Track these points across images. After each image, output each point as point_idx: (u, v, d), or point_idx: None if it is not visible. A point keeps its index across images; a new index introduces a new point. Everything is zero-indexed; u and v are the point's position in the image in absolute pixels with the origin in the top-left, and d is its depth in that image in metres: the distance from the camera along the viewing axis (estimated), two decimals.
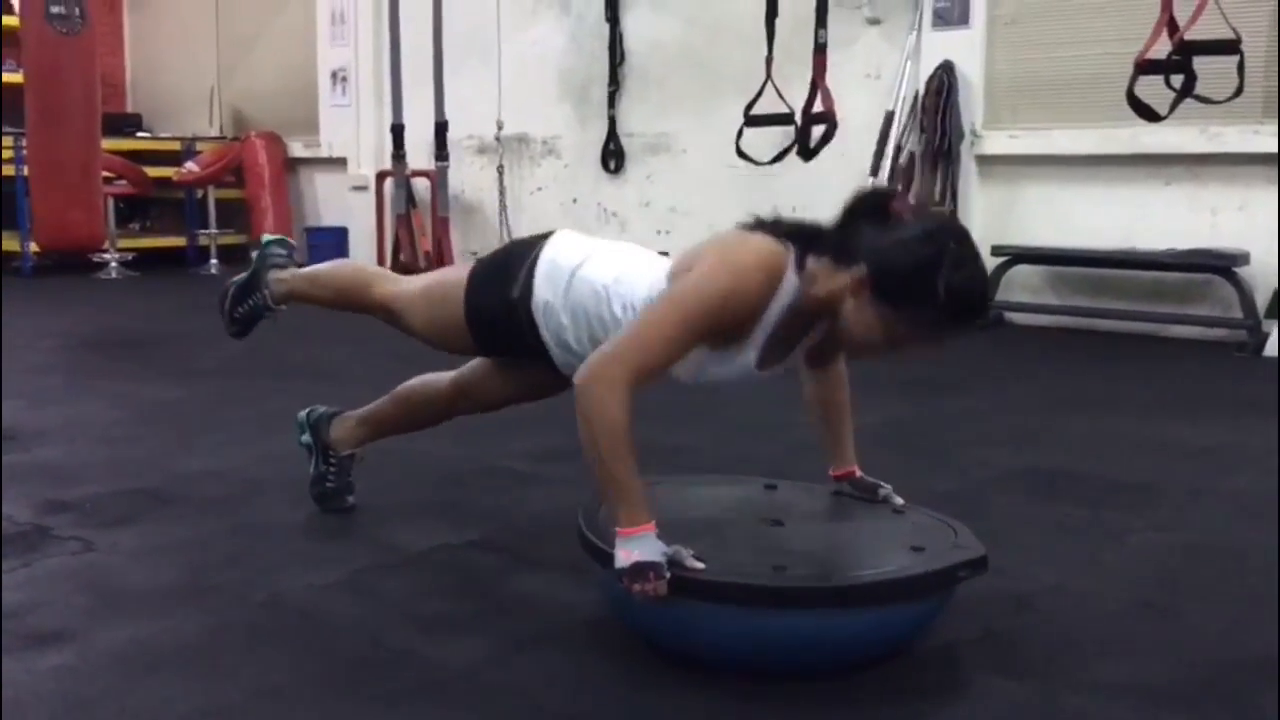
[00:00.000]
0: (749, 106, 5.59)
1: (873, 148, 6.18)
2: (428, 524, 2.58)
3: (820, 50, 5.41)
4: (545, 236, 2.23)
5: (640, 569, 1.74)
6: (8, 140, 7.46)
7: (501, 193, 7.58)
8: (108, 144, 7.22)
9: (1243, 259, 5.26)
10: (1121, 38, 5.46)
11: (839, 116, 5.39)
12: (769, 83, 5.48)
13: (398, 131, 7.40)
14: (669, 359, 1.86)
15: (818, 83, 5.39)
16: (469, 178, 7.78)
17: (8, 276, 7.35)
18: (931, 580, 1.81)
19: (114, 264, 7.94)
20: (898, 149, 6.15)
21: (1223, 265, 5.27)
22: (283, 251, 2.62)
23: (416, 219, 7.51)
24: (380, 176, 7.97)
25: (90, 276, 7.84)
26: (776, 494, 2.19)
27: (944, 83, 5.96)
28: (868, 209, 1.87)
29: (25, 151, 5.66)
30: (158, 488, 2.84)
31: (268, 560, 2.35)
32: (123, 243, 8.14)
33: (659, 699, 1.75)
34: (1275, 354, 5.00)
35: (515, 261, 2.20)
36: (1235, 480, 3.06)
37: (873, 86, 6.25)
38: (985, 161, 6.04)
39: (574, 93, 7.57)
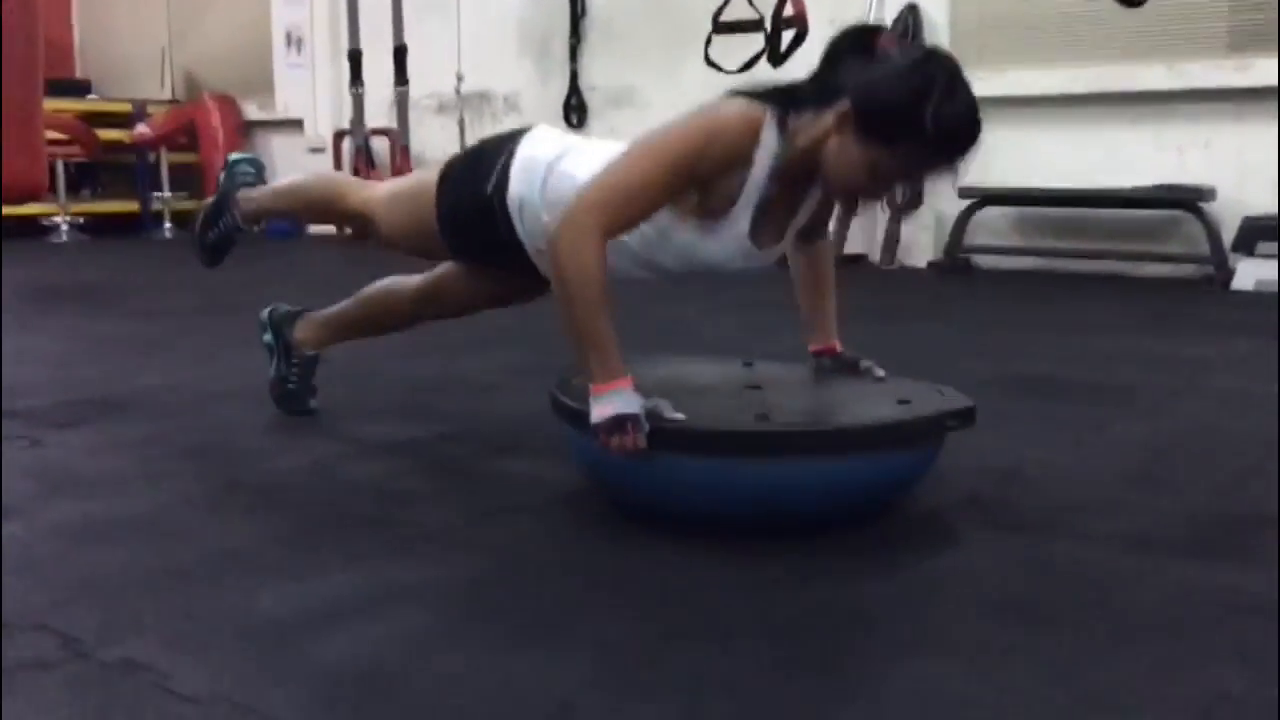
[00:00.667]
0: (717, 13, 5.42)
1: None
2: (395, 422, 2.50)
3: None
4: (520, 132, 2.13)
5: (617, 422, 1.66)
6: None
7: (462, 148, 7.45)
8: (55, 105, 7.05)
9: (1209, 194, 5.25)
10: None
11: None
12: None
13: (355, 58, 7.24)
14: (646, 204, 1.77)
15: None
16: (429, 138, 7.64)
17: None
18: (920, 426, 1.74)
19: (64, 228, 7.75)
20: None
21: (1189, 200, 5.26)
22: (250, 170, 2.53)
23: (376, 176, 7.37)
24: (338, 137, 7.83)
25: (40, 240, 7.65)
26: (754, 369, 2.11)
27: (909, 25, 5.91)
28: (851, 46, 1.77)
29: None
30: (107, 397, 2.73)
31: (225, 452, 2.26)
32: (73, 208, 7.94)
33: (635, 553, 1.67)
34: (1246, 287, 5.00)
35: (488, 157, 2.11)
36: (1216, 381, 3.02)
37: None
38: None
39: (534, 47, 7.45)
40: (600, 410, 1.69)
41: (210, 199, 2.57)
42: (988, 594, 1.52)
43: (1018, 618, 1.44)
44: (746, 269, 1.95)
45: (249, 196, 2.48)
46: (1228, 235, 5.21)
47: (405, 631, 1.39)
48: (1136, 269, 5.60)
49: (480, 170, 2.10)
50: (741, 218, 1.84)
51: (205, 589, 1.53)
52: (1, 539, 1.70)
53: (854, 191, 1.82)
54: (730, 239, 1.86)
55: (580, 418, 1.74)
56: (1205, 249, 5.27)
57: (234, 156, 2.58)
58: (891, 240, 6.08)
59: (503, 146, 2.11)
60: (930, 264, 6.01)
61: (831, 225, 2.16)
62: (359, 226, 2.40)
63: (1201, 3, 5.25)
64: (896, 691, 1.24)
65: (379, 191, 2.34)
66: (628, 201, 1.75)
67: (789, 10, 5.22)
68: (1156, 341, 3.72)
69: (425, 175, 2.25)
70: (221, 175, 2.55)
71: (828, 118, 1.75)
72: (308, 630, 1.38)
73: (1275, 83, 5.06)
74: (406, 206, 2.24)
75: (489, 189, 2.06)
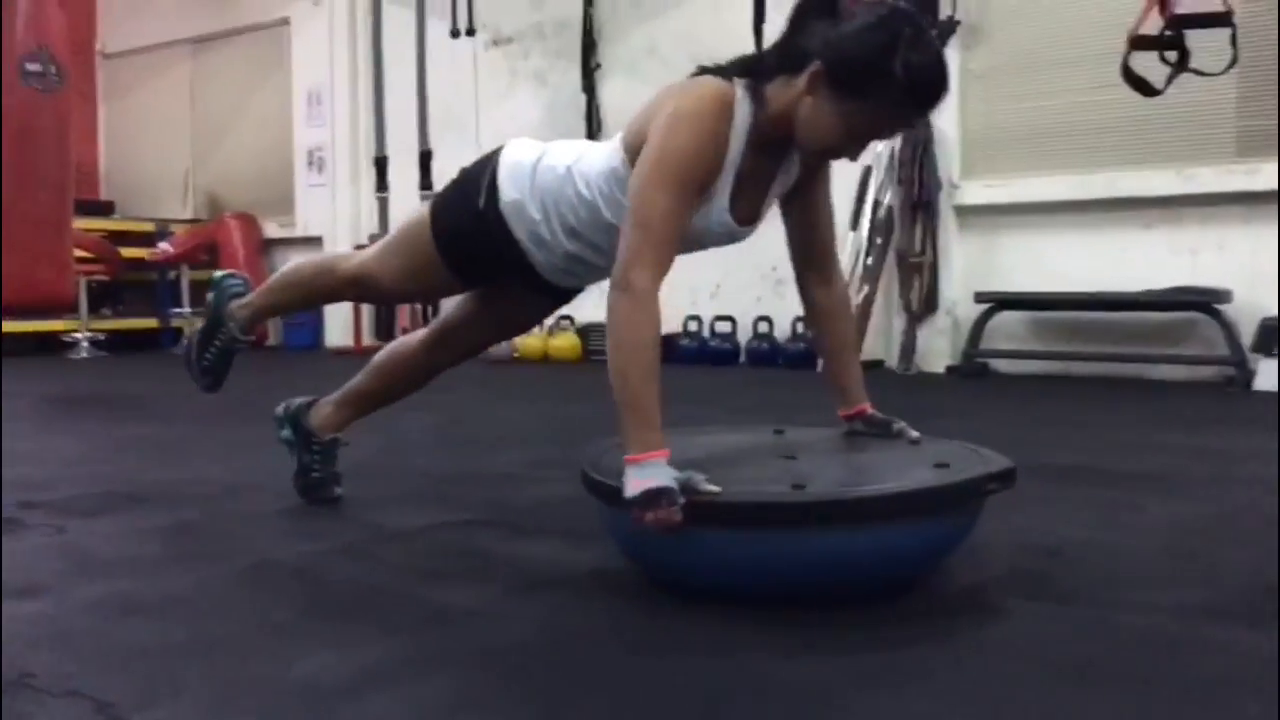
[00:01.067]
0: None
1: (852, 203, 6.20)
2: (420, 510, 2.47)
3: None
4: (496, 150, 2.16)
5: (652, 496, 1.65)
6: None
7: None
8: (80, 225, 7.18)
9: (1225, 296, 5.27)
10: (1091, 86, 5.58)
11: None
12: None
13: (381, 164, 7.38)
14: (677, 231, 1.80)
15: None
16: None
17: None
18: (960, 491, 1.71)
19: (84, 344, 7.81)
20: (876, 203, 6.18)
21: (1205, 302, 5.28)
22: (238, 282, 2.53)
23: None
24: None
25: (60, 356, 7.70)
26: (786, 436, 2.10)
27: (919, 137, 6.01)
28: (816, 9, 1.82)
29: None
30: (132, 491, 2.71)
31: (253, 537, 2.24)
32: (93, 324, 8.02)
33: (674, 622, 1.64)
34: (1270, 387, 4.97)
35: (472, 178, 2.14)
36: (1248, 469, 2.98)
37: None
38: (963, 212, 6.08)
39: None
40: (635, 484, 1.67)
41: (199, 325, 2.55)
42: (1043, 660, 1.47)
43: (1075, 682, 1.39)
44: (727, 243, 1.97)
45: (242, 304, 2.48)
46: (1245, 337, 5.22)
47: (444, 697, 1.35)
48: (1153, 371, 5.59)
49: (469, 191, 2.13)
50: (721, 192, 1.87)
51: (239, 658, 1.49)
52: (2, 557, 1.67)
53: (829, 150, 1.84)
54: (709, 214, 1.88)
55: (611, 495, 1.72)
56: (1222, 351, 5.26)
57: (219, 274, 2.56)
58: (908, 345, 6.10)
59: (484, 165, 2.14)
60: (948, 369, 6.01)
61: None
62: (354, 292, 2.39)
63: (1208, 108, 5.34)
64: None
65: (369, 252, 2.35)
66: (662, 241, 1.77)
67: None
68: (1184, 436, 3.69)
69: (414, 218, 2.26)
70: (210, 295, 2.53)
71: (799, 81, 1.79)
72: (346, 695, 1.35)
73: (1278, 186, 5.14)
74: (403, 251, 2.24)
75: (481, 204, 2.09)
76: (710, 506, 1.65)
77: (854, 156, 1.87)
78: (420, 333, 2.43)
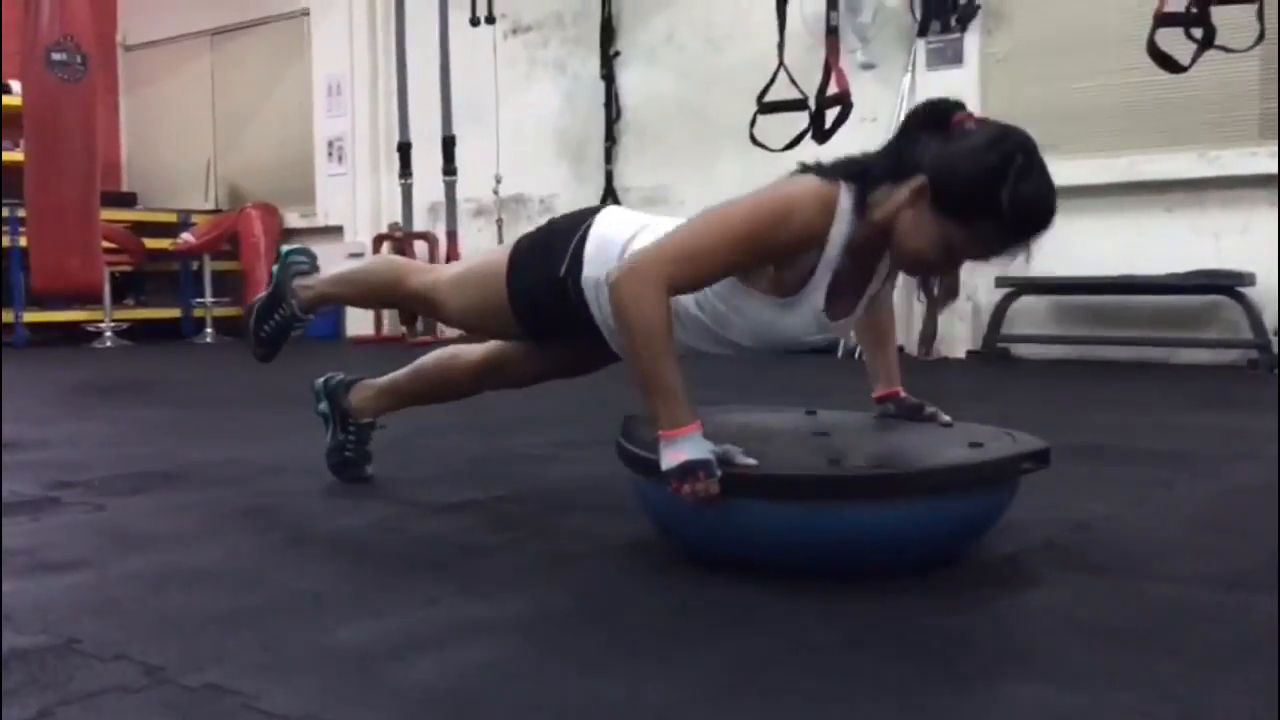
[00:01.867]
0: (762, 94, 5.53)
1: None
2: (452, 487, 2.49)
3: (832, 33, 5.46)
4: (591, 212, 2.12)
5: (689, 468, 1.65)
6: (4, 212, 7.46)
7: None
8: (104, 215, 7.23)
9: (1249, 279, 5.25)
10: (1112, 69, 5.57)
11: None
12: (781, 68, 5.47)
13: (405, 150, 7.38)
14: (708, 270, 1.77)
15: (831, 64, 5.40)
16: (468, 239, 7.76)
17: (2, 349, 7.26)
18: (996, 468, 1.72)
19: (109, 334, 7.87)
20: None
21: (1228, 285, 5.26)
22: (305, 259, 2.53)
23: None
24: (377, 241, 7.97)
25: (85, 346, 7.76)
26: (818, 417, 2.11)
27: None
28: (928, 121, 1.77)
29: (24, 199, 5.61)
30: (166, 470, 2.74)
31: (286, 513, 2.26)
32: (117, 314, 8.08)
33: (716, 589, 1.65)
34: None
35: (559, 239, 2.09)
36: (1275, 448, 2.98)
37: (870, 129, 6.26)
38: None
39: (570, 151, 7.62)
40: (671, 457, 1.68)
41: (262, 293, 2.55)
42: (1080, 624, 1.49)
43: (1114, 644, 1.40)
44: (821, 342, 1.94)
45: (306, 284, 2.47)
46: (1268, 319, 5.20)
47: (488, 659, 1.37)
48: (1176, 355, 5.57)
49: (553, 252, 2.08)
50: (816, 293, 1.82)
51: (282, 624, 1.51)
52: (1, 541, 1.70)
53: (925, 266, 1.80)
54: (805, 313, 1.85)
55: (648, 465, 1.73)
56: (1245, 334, 5.25)
57: (287, 248, 2.57)
58: (929, 331, 6.09)
59: (575, 227, 2.09)
60: (969, 354, 6.01)
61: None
62: (421, 308, 2.39)
63: (1231, 90, 5.32)
64: (1004, 711, 1.21)
65: (446, 274, 2.33)
66: (691, 262, 1.74)
67: (833, 88, 5.33)
68: (1208, 417, 3.69)
69: (494, 258, 2.21)
70: (275, 268, 2.54)
71: (903, 192, 1.73)
72: (390, 658, 1.37)
73: None
74: (477, 289, 2.21)
75: (562, 270, 2.05)
76: (748, 479, 1.66)
77: (948, 272, 1.83)
78: (476, 351, 2.39)
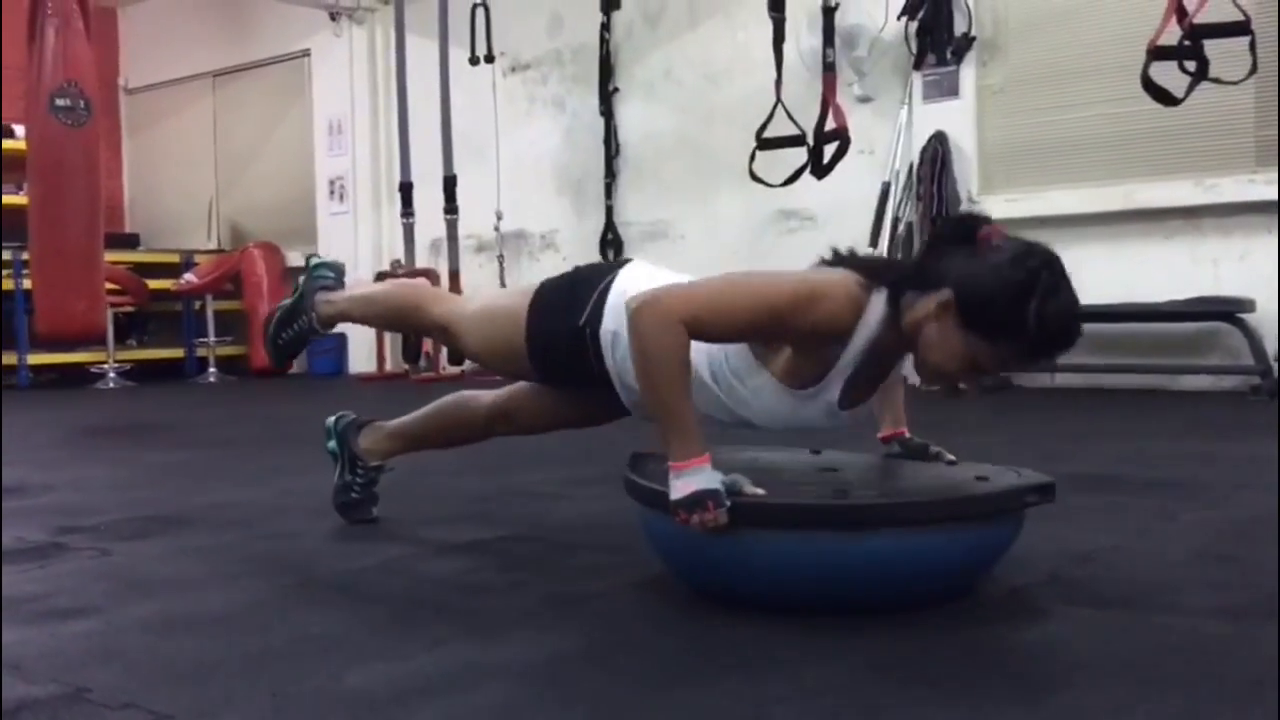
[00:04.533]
0: (761, 129, 5.59)
1: (870, 222, 6.22)
2: (458, 527, 2.50)
3: (829, 69, 5.52)
4: (618, 265, 2.14)
5: (698, 499, 1.66)
6: (6, 255, 7.50)
7: (502, 286, 7.59)
8: (106, 257, 7.26)
9: (1249, 305, 5.26)
10: (1108, 98, 5.61)
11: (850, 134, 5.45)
12: (779, 105, 5.53)
13: (406, 190, 7.45)
14: (726, 325, 1.78)
15: (828, 100, 5.46)
16: (469, 276, 7.79)
17: (4, 392, 7.28)
18: (1002, 500, 1.73)
19: (112, 375, 7.88)
20: (895, 219, 6.21)
21: (1228, 311, 5.27)
22: (331, 274, 2.52)
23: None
24: (379, 278, 7.99)
25: (88, 388, 7.78)
26: (824, 456, 2.11)
27: (938, 152, 6.04)
28: (955, 234, 1.80)
29: (28, 242, 5.64)
30: (172, 514, 2.75)
31: (293, 556, 2.27)
32: (120, 355, 8.10)
33: (722, 629, 1.66)
34: None
35: (583, 288, 2.11)
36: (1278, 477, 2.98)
37: (868, 162, 6.33)
38: None
39: (570, 187, 7.67)
40: (681, 487, 1.69)
41: (286, 300, 2.56)
42: (1088, 658, 1.49)
43: (1122, 678, 1.41)
44: (832, 428, 1.94)
45: (328, 299, 2.47)
46: (1269, 345, 5.20)
47: (496, 702, 1.37)
48: (1177, 382, 5.58)
49: (575, 301, 2.09)
50: (833, 386, 1.84)
51: (291, 669, 1.52)
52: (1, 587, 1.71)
53: (947, 377, 1.80)
54: (820, 405, 1.87)
55: (656, 497, 1.74)
56: (1246, 360, 5.25)
57: (315, 260, 2.57)
58: None
59: (599, 278, 2.10)
60: None
61: None
62: (439, 336, 2.41)
63: (1227, 118, 5.35)
64: None
65: (468, 307, 2.34)
66: (713, 312, 1.76)
67: (830, 124, 5.37)
68: (1211, 445, 3.69)
69: (517, 298, 2.21)
70: (301, 279, 2.54)
71: (929, 303, 1.74)
72: (399, 703, 1.37)
73: None
74: (496, 326, 2.22)
75: (582, 320, 2.06)
76: (757, 509, 1.67)
77: (969, 384, 1.82)
78: (488, 398, 2.41)
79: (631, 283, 2.04)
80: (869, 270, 1.82)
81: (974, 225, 1.78)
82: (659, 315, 1.74)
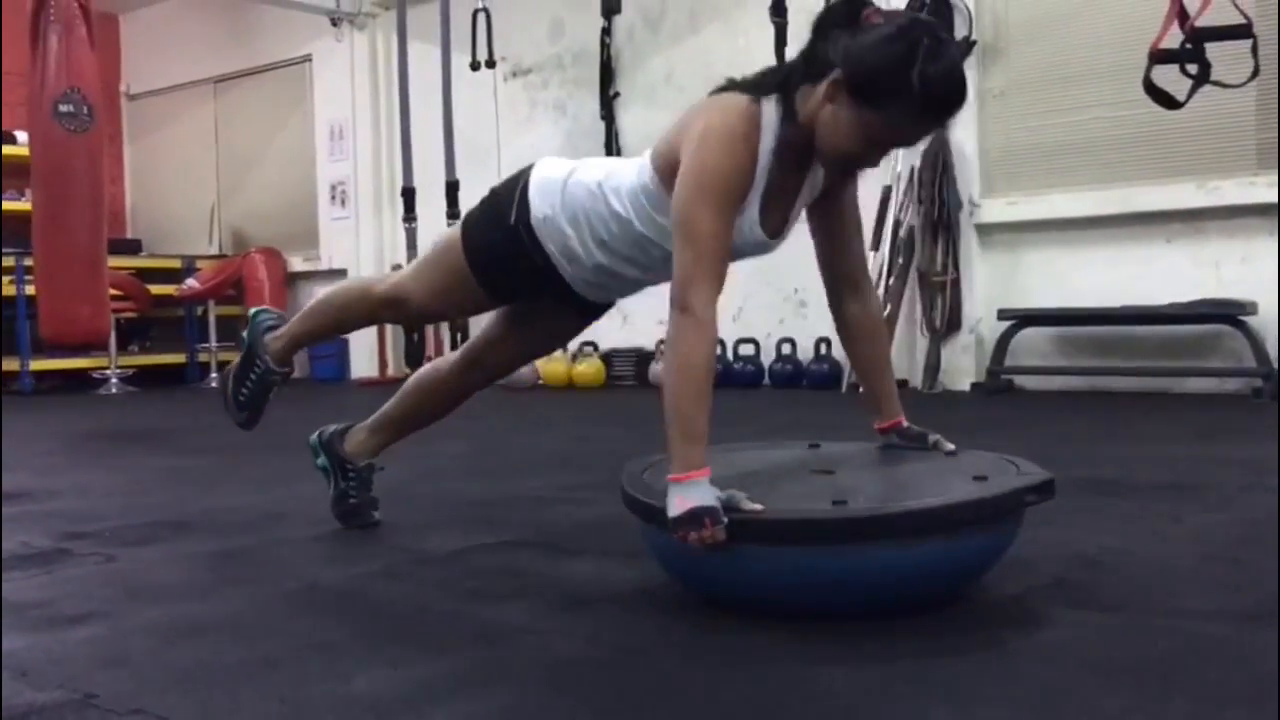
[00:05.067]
0: None
1: (873, 224, 6.23)
2: (459, 533, 2.50)
3: None
4: (526, 168, 2.20)
5: (695, 515, 1.67)
6: (8, 261, 7.51)
7: None
8: (109, 262, 7.27)
9: (1251, 308, 5.26)
10: (1108, 101, 5.61)
11: None
12: None
13: (409, 194, 7.44)
14: (725, 246, 1.83)
15: None
16: None
17: (7, 397, 7.28)
18: (1000, 504, 1.72)
19: (114, 380, 7.89)
20: (897, 223, 6.21)
21: (1231, 314, 5.27)
22: (271, 315, 2.56)
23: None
24: None
25: (90, 393, 7.79)
26: (822, 451, 2.12)
27: (939, 156, 6.05)
28: (838, 20, 1.84)
29: (32, 248, 5.65)
30: (176, 520, 2.75)
31: (297, 562, 2.27)
32: (122, 361, 8.11)
33: (724, 635, 1.66)
34: None
35: (503, 195, 2.19)
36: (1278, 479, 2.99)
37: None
38: (985, 230, 6.10)
39: None
40: (679, 502, 1.69)
41: (234, 362, 2.56)
42: (1095, 662, 1.49)
43: (1128, 683, 1.41)
44: (757, 254, 2.00)
45: (276, 335, 2.49)
46: (1271, 348, 5.21)
47: (501, 706, 1.37)
48: (1180, 385, 5.58)
49: (499, 206, 2.18)
50: (752, 205, 1.90)
51: (297, 675, 1.52)
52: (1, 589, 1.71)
53: (849, 157, 1.85)
54: (744, 226, 1.91)
55: (653, 512, 1.75)
56: (1248, 362, 5.26)
57: (252, 310, 2.59)
58: (932, 364, 6.11)
59: (514, 182, 2.18)
60: (973, 386, 6.02)
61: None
62: (390, 311, 2.43)
63: (1228, 121, 5.35)
64: None
65: (403, 273, 2.40)
66: (713, 256, 1.81)
67: None
68: (1214, 447, 3.69)
69: (447, 235, 2.31)
70: (244, 332, 2.55)
71: (820, 89, 1.81)
72: (406, 708, 1.37)
73: None
74: (435, 268, 2.29)
75: (512, 219, 2.14)
76: (753, 524, 1.67)
77: (874, 163, 1.90)
78: (452, 355, 2.48)
79: (546, 170, 2.15)
80: (755, 84, 1.89)
81: (856, 7, 1.83)
82: (693, 320, 1.78)
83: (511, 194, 2.16)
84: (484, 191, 2.26)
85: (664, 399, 1.77)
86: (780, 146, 1.86)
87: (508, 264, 2.19)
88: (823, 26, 1.87)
